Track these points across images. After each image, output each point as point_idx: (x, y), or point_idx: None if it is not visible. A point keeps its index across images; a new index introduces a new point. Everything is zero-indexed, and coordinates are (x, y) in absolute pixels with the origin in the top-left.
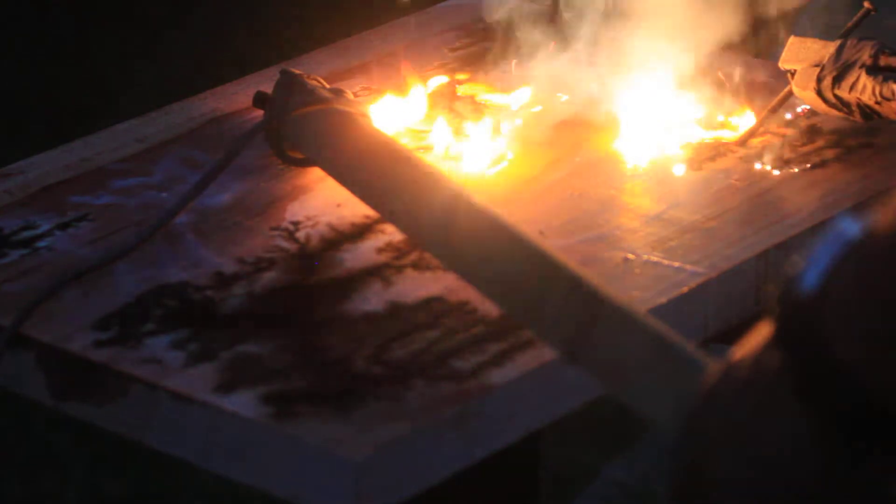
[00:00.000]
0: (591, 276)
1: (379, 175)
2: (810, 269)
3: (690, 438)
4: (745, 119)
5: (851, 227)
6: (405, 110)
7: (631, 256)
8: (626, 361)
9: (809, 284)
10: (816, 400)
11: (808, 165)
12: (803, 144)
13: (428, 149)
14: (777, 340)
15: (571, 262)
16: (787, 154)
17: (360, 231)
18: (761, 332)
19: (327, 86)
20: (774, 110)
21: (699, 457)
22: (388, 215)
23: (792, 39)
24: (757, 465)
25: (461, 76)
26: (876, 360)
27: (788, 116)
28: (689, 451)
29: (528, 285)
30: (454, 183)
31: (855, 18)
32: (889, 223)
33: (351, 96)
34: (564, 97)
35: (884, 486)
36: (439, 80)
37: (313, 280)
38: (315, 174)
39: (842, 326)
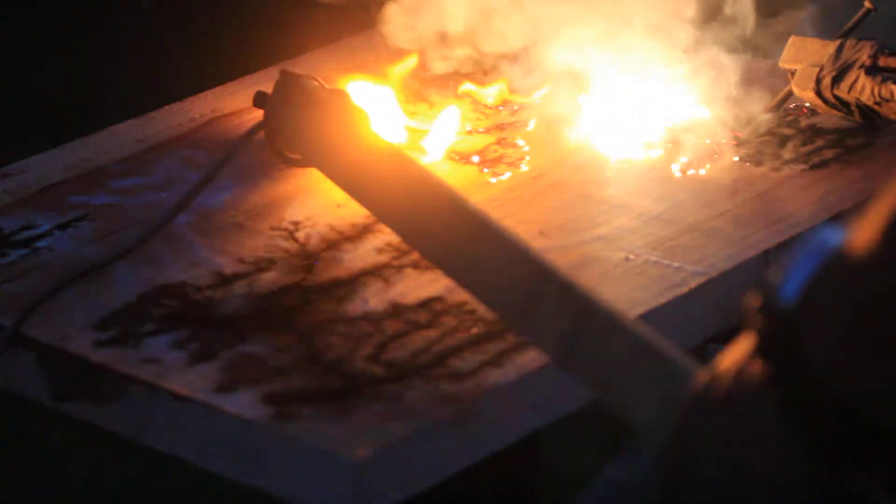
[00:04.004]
0: (581, 281)
1: (375, 177)
2: (790, 281)
3: (675, 445)
4: (745, 119)
5: (831, 239)
6: (405, 111)
7: (631, 256)
8: (614, 368)
9: (789, 296)
10: (797, 409)
11: (808, 165)
12: (803, 144)
13: (427, 150)
14: (758, 350)
15: (562, 268)
16: (787, 154)
17: (360, 231)
18: (744, 342)
19: (327, 86)
20: (774, 110)
21: (684, 463)
22: (383, 217)
23: (792, 39)
24: (739, 473)
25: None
26: (854, 371)
27: (788, 117)
28: (674, 458)
29: (520, 290)
30: (450, 186)
31: (855, 18)
32: (868, 234)
33: (351, 97)
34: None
35: (862, 496)
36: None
37: (313, 280)
38: (315, 174)
39: (821, 337)
